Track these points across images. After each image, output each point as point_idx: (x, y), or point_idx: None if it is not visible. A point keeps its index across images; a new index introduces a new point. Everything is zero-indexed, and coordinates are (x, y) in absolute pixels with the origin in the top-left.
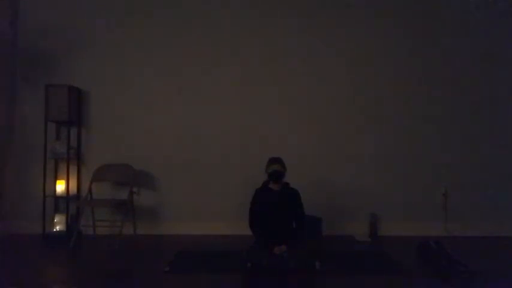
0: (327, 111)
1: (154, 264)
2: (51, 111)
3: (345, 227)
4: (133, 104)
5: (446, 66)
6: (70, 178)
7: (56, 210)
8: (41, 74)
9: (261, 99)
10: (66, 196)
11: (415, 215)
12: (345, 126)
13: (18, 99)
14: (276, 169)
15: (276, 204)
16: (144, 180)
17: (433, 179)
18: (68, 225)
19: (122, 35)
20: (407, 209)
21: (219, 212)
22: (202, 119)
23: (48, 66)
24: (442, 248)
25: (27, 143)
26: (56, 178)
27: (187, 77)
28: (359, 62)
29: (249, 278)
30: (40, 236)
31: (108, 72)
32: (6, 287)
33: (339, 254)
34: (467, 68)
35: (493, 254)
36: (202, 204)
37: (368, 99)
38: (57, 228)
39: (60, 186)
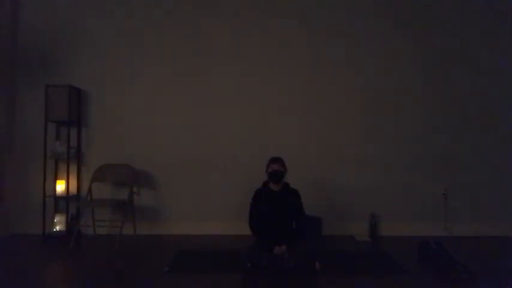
0: (327, 111)
1: (154, 264)
2: (51, 111)
3: (345, 227)
4: (133, 104)
5: (447, 67)
6: (70, 178)
7: (56, 210)
8: (41, 74)
9: (261, 99)
10: (66, 196)
11: (415, 215)
12: (346, 127)
13: (18, 99)
14: (276, 169)
15: (276, 205)
16: (144, 180)
17: (433, 179)
18: (68, 225)
19: (121, 35)
20: (407, 209)
21: (219, 212)
22: (203, 119)
23: (48, 66)
24: (442, 248)
25: (27, 143)
26: (56, 178)
27: (187, 77)
28: (359, 62)
29: (249, 278)
30: (40, 236)
31: (108, 72)
32: None
33: (339, 254)
34: (467, 68)
35: (492, 254)
36: (202, 204)
37: (368, 99)
38: (57, 228)
39: (60, 186)
